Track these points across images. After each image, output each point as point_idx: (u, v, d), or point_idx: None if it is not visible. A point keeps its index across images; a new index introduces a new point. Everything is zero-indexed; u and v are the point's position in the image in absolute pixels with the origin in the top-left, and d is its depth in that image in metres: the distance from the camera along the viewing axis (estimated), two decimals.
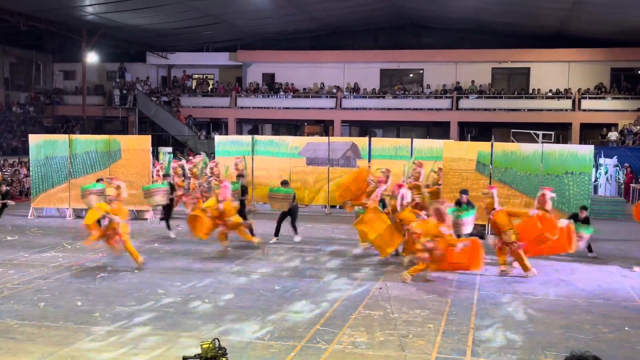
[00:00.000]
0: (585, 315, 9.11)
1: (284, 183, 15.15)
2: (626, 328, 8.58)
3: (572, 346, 7.75)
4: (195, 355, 5.72)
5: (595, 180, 23.07)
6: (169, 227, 14.94)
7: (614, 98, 33.55)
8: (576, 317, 9.01)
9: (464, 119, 34.87)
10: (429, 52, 35.97)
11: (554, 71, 35.12)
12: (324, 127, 37.81)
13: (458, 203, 13.58)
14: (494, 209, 11.84)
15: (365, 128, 37.54)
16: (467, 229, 13.25)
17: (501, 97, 34.99)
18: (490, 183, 15.92)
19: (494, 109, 34.49)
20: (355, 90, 36.84)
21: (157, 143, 31.44)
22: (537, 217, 11.80)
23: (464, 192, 13.87)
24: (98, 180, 15.52)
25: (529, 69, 35.88)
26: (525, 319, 8.85)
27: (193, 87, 40.12)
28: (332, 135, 32.09)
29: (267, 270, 11.58)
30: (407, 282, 10.78)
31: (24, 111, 37.48)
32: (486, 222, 15.77)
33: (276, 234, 14.42)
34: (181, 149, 32.72)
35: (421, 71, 37.35)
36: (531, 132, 28.68)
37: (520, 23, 33.25)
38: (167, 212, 15.14)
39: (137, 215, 17.53)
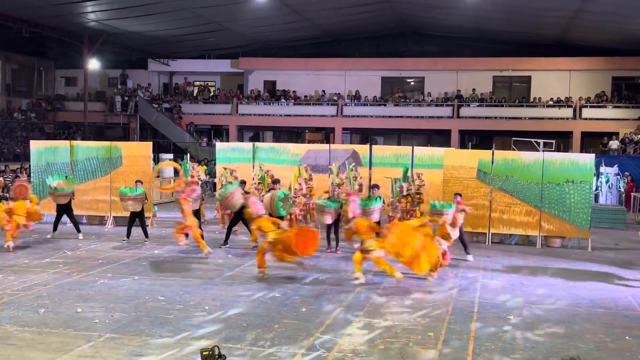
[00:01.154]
0: (586, 324, 9.09)
1: (276, 182, 15.17)
2: (627, 337, 8.56)
3: (573, 355, 7.74)
4: None
5: (597, 189, 23.07)
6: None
7: (615, 107, 33.58)
8: (577, 326, 8.99)
9: (465, 127, 34.91)
10: (430, 60, 36.07)
11: (555, 80, 35.19)
12: (325, 135, 37.86)
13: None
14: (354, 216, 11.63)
15: (366, 135, 37.58)
16: (376, 216, 13.50)
17: (502, 106, 35.03)
18: (491, 191, 15.94)
19: (495, 117, 34.52)
20: (356, 97, 36.90)
21: (158, 150, 31.50)
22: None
23: (375, 186, 14.57)
24: (137, 183, 15.45)
25: (530, 77, 35.95)
26: (526, 328, 8.82)
27: (194, 94, 40.21)
28: (333, 143, 32.15)
29: (267, 277, 11.56)
30: None
31: (26, 117, 37.55)
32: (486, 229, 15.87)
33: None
34: (182, 156, 32.71)
35: (422, 79, 37.42)
36: (532, 140, 28.71)
37: (522, 31, 33.34)
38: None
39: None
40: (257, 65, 38.61)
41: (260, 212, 11.96)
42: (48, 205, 18.04)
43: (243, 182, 15.22)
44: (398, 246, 11.05)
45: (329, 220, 13.92)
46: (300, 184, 16.68)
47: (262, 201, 13.85)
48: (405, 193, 16.52)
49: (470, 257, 13.68)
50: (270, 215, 14.50)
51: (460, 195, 14.18)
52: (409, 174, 16.94)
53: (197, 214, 14.86)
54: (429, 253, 11.21)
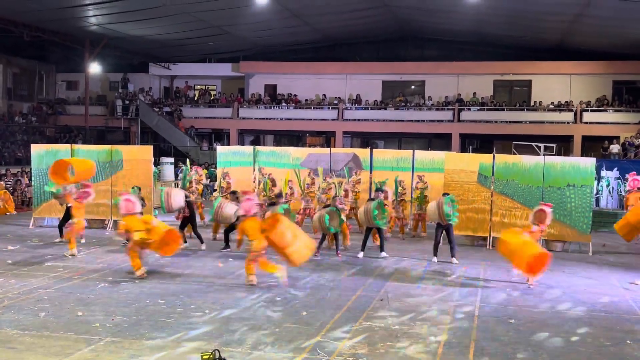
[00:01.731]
0: (587, 328, 9.08)
1: (279, 196, 14.94)
2: (628, 341, 8.55)
3: (574, 359, 7.73)
4: None
5: (597, 193, 23.05)
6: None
7: (615, 111, 33.62)
8: (578, 330, 8.98)
9: (466, 130, 34.94)
10: (430, 64, 36.12)
11: (555, 84, 35.22)
12: (326, 138, 37.89)
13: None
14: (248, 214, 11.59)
15: (367, 139, 37.63)
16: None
17: (503, 109, 35.06)
18: (492, 195, 15.92)
19: (496, 121, 34.55)
20: (357, 101, 36.93)
21: (159, 153, 31.53)
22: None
23: (379, 190, 14.61)
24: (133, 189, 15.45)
25: (530, 81, 35.98)
26: (527, 332, 8.81)
27: (195, 98, 40.26)
28: (334, 147, 32.22)
29: (267, 281, 11.55)
30: None
31: (27, 121, 37.60)
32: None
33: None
34: (183, 160, 32.72)
35: (423, 83, 37.45)
36: (533, 144, 28.70)
37: (522, 35, 33.38)
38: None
39: None
40: (258, 69, 38.66)
41: (134, 211, 12.05)
42: (48, 209, 18.08)
43: (234, 193, 15.08)
44: (279, 239, 11.12)
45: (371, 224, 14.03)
46: (291, 187, 16.63)
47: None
48: (393, 198, 16.58)
49: (454, 260, 13.66)
50: None
51: (448, 194, 14.22)
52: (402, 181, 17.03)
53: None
54: (305, 245, 11.36)
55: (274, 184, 16.51)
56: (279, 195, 15.01)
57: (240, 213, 11.68)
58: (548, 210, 12.20)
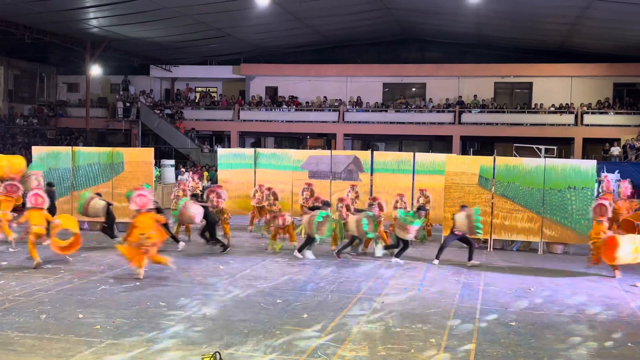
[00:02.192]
0: (588, 331, 9.07)
1: (327, 204, 14.84)
2: (629, 344, 8.54)
3: None
4: None
5: (598, 195, 23.04)
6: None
7: (616, 113, 33.58)
8: (579, 332, 8.97)
9: (467, 133, 34.91)
10: (431, 66, 36.12)
11: (556, 86, 35.20)
12: (327, 141, 37.88)
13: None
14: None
15: (368, 141, 37.62)
16: (411, 236, 13.84)
17: (503, 112, 35.02)
18: (492, 197, 15.92)
19: (497, 124, 34.52)
20: (358, 103, 36.93)
21: (160, 156, 31.54)
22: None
23: (422, 208, 14.35)
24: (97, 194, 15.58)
25: (531, 83, 35.96)
26: (528, 334, 8.81)
27: (196, 100, 40.28)
28: (335, 149, 32.20)
29: (268, 283, 11.56)
30: None
31: (28, 123, 37.63)
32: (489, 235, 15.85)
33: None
34: (183, 162, 32.79)
35: (424, 85, 37.46)
36: (534, 146, 28.71)
37: (523, 38, 33.39)
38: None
39: None
40: (259, 71, 38.68)
41: (41, 206, 12.76)
42: (49, 211, 18.03)
43: (194, 196, 15.49)
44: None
45: (411, 236, 13.92)
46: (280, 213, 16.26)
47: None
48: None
49: (475, 262, 13.66)
50: (308, 235, 14.26)
51: (466, 207, 14.13)
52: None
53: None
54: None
55: (275, 198, 16.52)
56: (326, 203, 14.85)
57: (134, 208, 11.92)
58: (607, 202, 12.46)
